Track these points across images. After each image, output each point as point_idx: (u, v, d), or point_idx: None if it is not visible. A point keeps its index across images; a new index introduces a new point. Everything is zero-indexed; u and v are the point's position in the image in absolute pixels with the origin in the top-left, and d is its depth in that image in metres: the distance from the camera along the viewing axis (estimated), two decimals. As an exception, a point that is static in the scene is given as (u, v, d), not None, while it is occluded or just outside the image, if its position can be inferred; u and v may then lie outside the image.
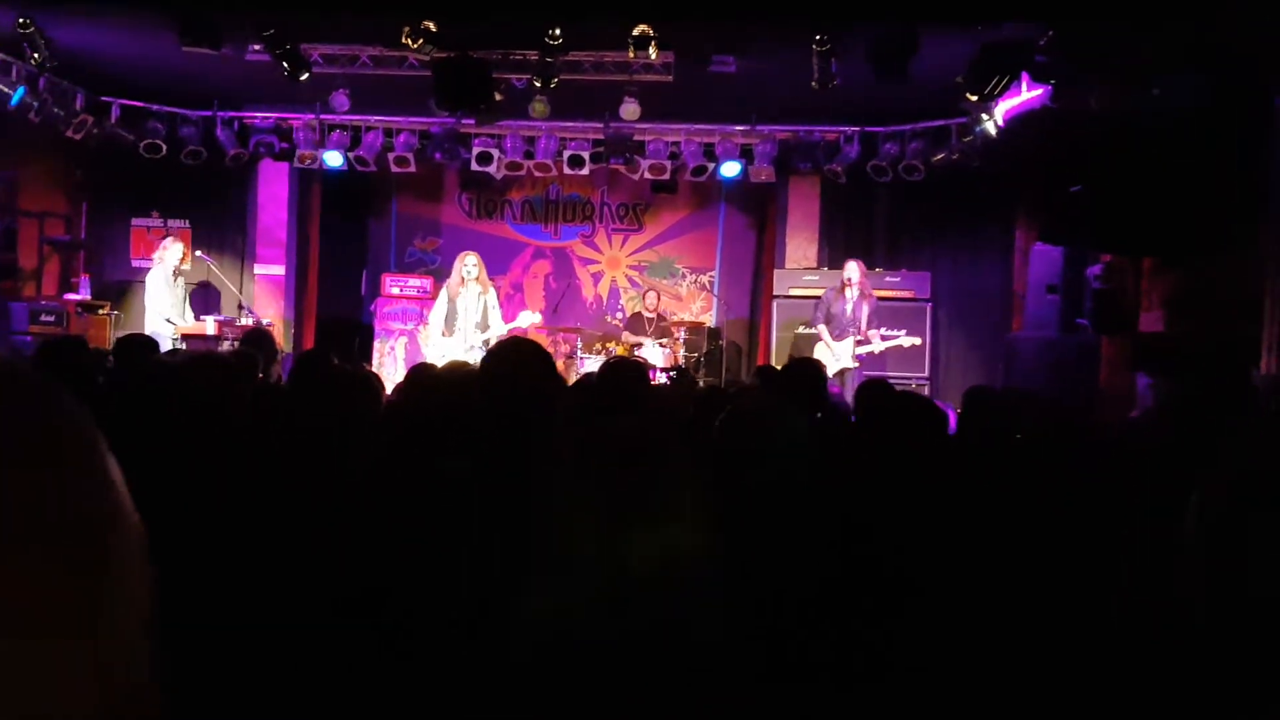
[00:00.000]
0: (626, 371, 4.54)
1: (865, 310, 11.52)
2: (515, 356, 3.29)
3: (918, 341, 11.75)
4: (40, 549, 0.59)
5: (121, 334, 10.16)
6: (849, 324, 11.50)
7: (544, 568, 1.62)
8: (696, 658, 1.53)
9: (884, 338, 11.58)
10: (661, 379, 11.60)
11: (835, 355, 11.40)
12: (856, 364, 11.42)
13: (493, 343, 10.43)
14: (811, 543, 2.51)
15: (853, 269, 11.70)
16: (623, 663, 1.49)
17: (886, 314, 12.10)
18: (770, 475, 2.56)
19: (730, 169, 13.51)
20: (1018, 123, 10.83)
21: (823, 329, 11.69)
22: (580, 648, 1.51)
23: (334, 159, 13.55)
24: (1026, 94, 10.30)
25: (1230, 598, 1.24)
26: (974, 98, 9.79)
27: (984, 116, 11.33)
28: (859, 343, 11.44)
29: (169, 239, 11.77)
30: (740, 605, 1.76)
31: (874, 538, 2.75)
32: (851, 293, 11.58)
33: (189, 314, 11.54)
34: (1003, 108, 10.89)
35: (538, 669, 1.54)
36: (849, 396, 9.26)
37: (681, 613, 1.54)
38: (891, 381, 11.02)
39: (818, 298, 13.04)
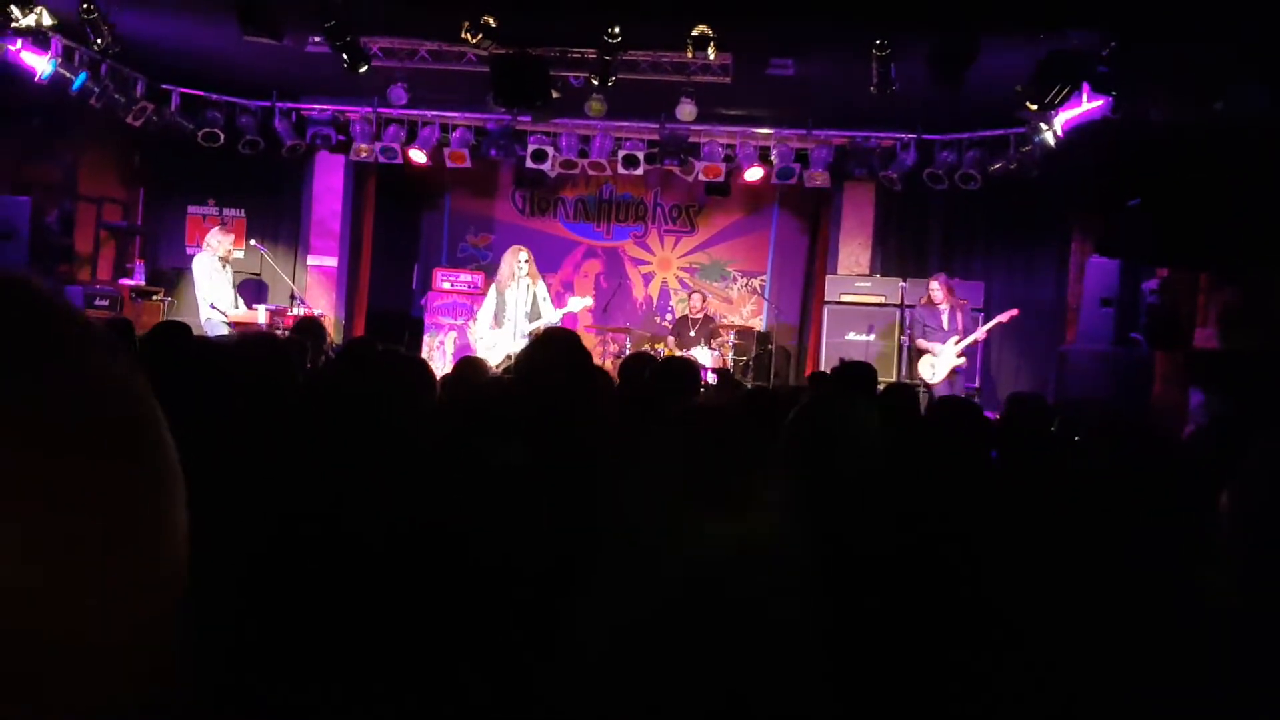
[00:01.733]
0: (681, 367, 4.54)
1: (960, 318, 11.64)
2: (554, 346, 3.30)
3: (1014, 311, 11.75)
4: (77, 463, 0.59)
5: (174, 320, 10.26)
6: (949, 335, 11.55)
7: (616, 552, 1.60)
8: (772, 641, 1.51)
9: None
10: (712, 380, 11.60)
11: (939, 359, 11.51)
12: (963, 360, 11.60)
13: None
14: (880, 535, 2.49)
15: (935, 288, 11.72)
16: (696, 646, 1.48)
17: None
18: (845, 467, 2.55)
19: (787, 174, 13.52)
20: (1077, 133, 10.74)
21: (922, 342, 11.78)
22: (654, 633, 1.50)
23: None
24: (1087, 104, 10.20)
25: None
26: (1034, 107, 9.72)
27: (1043, 126, 11.24)
28: (959, 340, 11.55)
29: (217, 229, 11.87)
30: (817, 590, 1.74)
31: (932, 531, 2.74)
32: (944, 306, 11.65)
33: (240, 303, 11.64)
34: (1062, 118, 10.80)
35: (610, 656, 1.53)
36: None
37: (758, 596, 1.51)
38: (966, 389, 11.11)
39: (871, 305, 13.11)
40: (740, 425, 1.65)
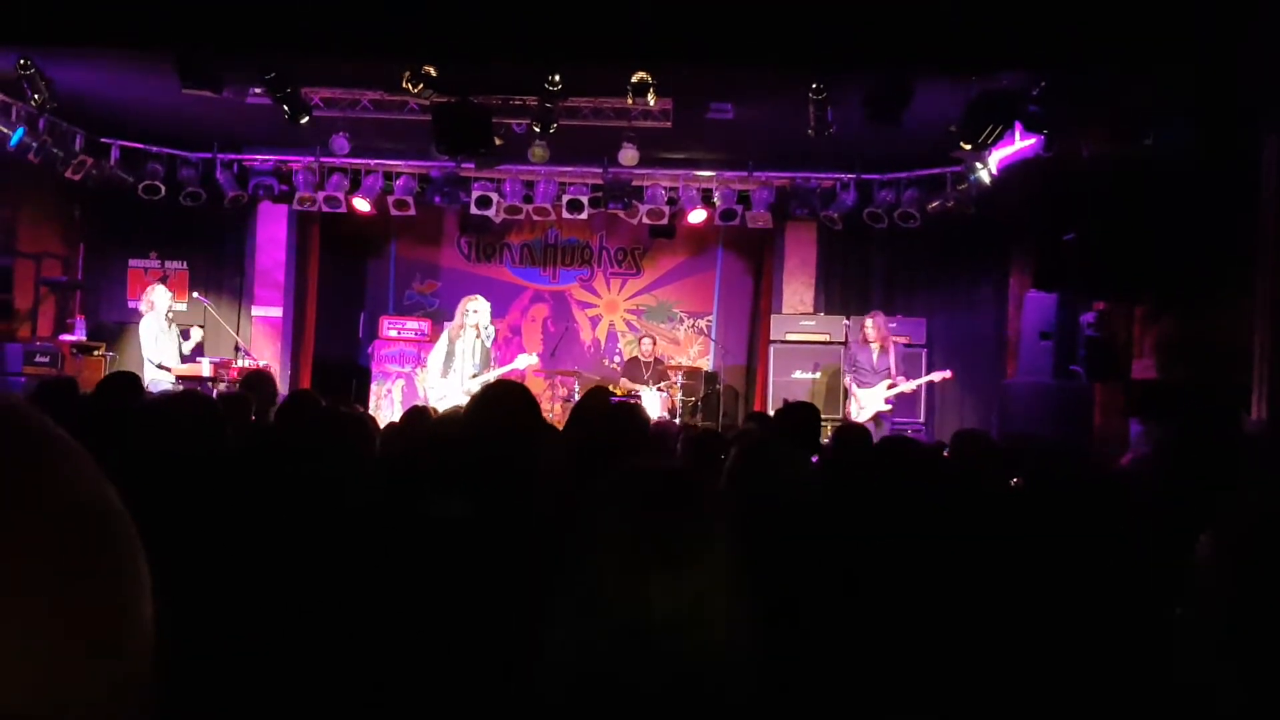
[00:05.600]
0: (629, 416, 4.53)
1: (892, 357, 11.79)
2: (502, 399, 3.29)
3: (948, 374, 11.91)
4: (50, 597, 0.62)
5: (124, 371, 10.14)
6: (878, 372, 11.71)
7: (567, 610, 1.60)
8: (723, 704, 1.52)
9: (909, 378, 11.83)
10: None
11: (862, 404, 11.62)
12: (889, 407, 11.70)
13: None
14: (820, 578, 2.52)
15: (869, 325, 11.88)
16: (648, 709, 1.49)
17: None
18: (782, 509, 2.58)
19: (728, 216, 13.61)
20: (1011, 171, 10.92)
21: (849, 381, 11.95)
22: (604, 693, 1.51)
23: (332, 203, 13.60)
24: (1020, 143, 10.39)
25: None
26: (967, 146, 9.86)
27: (978, 165, 11.42)
28: (890, 385, 11.68)
29: (158, 285, 11.75)
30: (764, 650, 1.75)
31: (874, 577, 2.77)
32: (875, 345, 11.75)
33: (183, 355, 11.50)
34: (996, 156, 10.97)
35: (562, 713, 1.53)
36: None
37: (708, 660, 1.53)
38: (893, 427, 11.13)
39: (815, 343, 13.24)
40: (685, 482, 1.66)
